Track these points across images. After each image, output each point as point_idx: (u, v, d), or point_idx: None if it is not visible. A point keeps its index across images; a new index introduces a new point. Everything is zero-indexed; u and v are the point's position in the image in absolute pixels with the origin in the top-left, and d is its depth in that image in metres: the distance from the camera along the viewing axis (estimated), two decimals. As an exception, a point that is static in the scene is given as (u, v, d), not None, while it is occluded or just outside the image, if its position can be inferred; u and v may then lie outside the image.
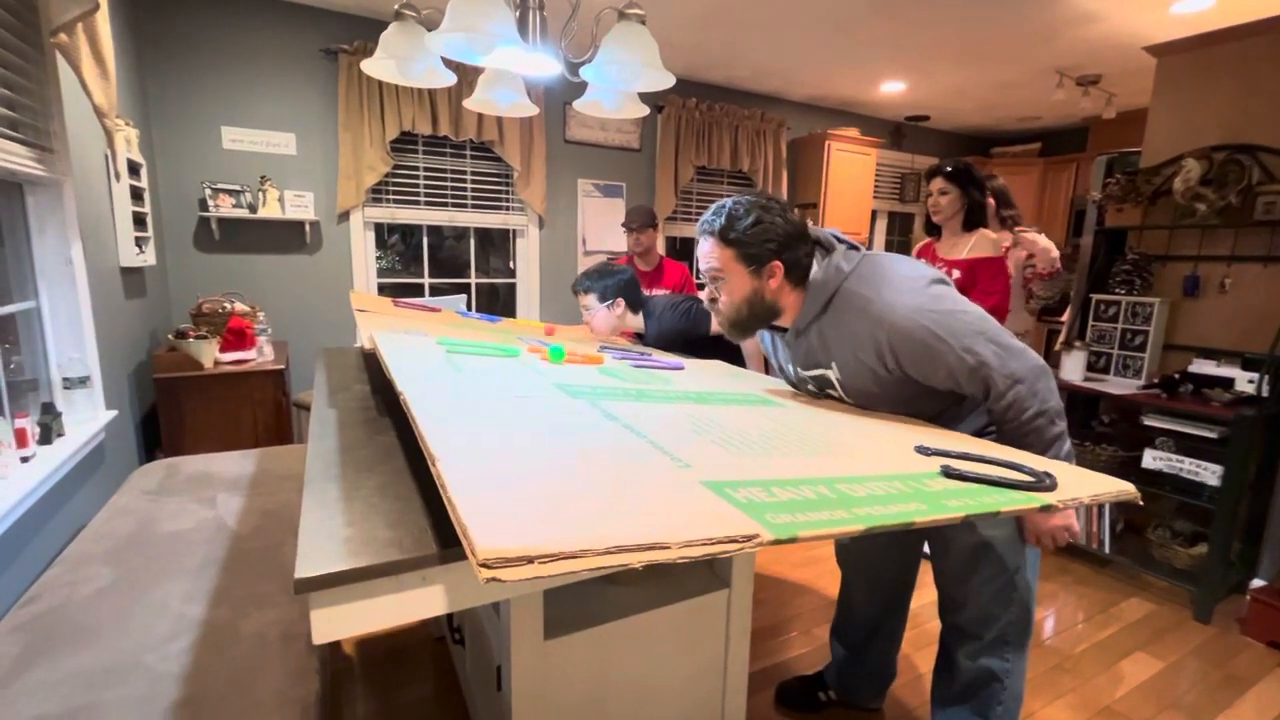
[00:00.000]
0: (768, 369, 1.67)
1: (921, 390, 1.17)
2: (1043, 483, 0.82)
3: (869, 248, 1.54)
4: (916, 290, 1.11)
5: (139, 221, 2.45)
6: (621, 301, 2.02)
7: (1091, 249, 2.80)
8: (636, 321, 2.08)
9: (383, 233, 3.65)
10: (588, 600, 1.18)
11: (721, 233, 1.18)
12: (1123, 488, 0.83)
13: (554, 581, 0.84)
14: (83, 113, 1.94)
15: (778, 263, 1.18)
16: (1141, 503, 0.86)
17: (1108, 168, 2.73)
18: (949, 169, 2.27)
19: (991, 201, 2.48)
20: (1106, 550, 2.53)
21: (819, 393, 1.33)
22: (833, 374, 1.23)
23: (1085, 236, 2.83)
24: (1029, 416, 1.08)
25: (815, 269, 1.21)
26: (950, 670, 1.43)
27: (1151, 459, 2.39)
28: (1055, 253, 2.38)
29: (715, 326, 2.09)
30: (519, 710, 1.07)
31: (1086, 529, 2.59)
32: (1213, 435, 2.24)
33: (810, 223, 1.25)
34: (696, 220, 4.54)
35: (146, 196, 2.59)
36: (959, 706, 1.42)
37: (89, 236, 1.95)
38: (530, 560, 0.48)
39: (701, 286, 1.37)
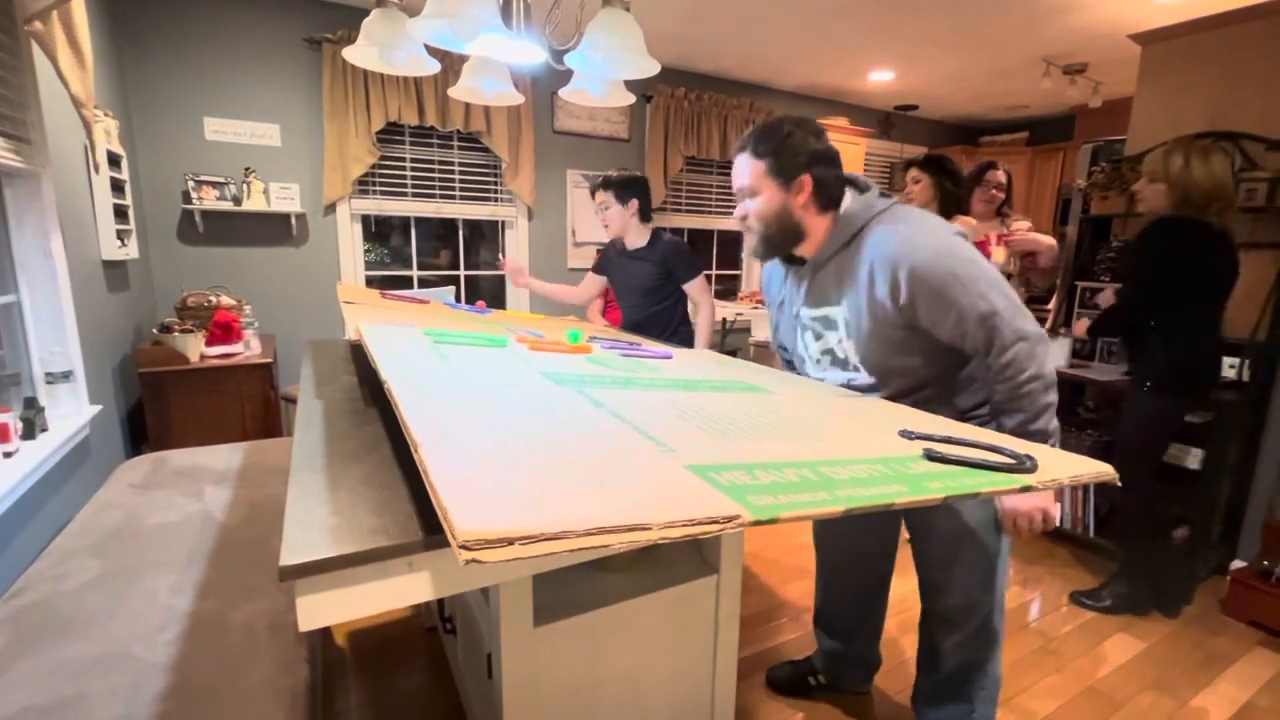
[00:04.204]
0: None
1: (921, 345, 1.18)
2: (1023, 464, 0.83)
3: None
4: (942, 236, 1.15)
5: (120, 214, 2.42)
6: (635, 204, 2.23)
7: (1077, 237, 2.82)
8: (643, 233, 2.28)
9: (370, 225, 3.62)
10: (577, 587, 1.19)
11: (755, 146, 1.21)
12: (1101, 469, 0.85)
13: (538, 565, 0.85)
14: (60, 103, 1.91)
15: (807, 177, 1.19)
16: (1120, 484, 0.88)
17: (1093, 156, 2.75)
18: (922, 159, 2.32)
19: (998, 194, 2.51)
20: (1090, 534, 2.57)
21: (818, 339, 1.31)
22: (840, 312, 1.24)
23: (1071, 224, 2.85)
24: (1026, 378, 1.11)
25: (848, 202, 1.23)
26: (934, 661, 1.45)
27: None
28: (1057, 248, 2.43)
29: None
30: (510, 697, 1.07)
31: (1071, 513, 2.62)
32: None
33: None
34: (687, 210, 4.56)
35: (128, 189, 2.56)
36: (946, 699, 1.44)
37: (69, 229, 1.92)
38: (511, 542, 0.49)
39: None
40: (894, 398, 1.25)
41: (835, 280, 1.23)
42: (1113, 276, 2.39)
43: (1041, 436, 1.13)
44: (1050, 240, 2.44)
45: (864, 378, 1.28)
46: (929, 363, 1.21)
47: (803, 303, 1.31)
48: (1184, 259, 1.92)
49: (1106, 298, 2.11)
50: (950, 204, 2.30)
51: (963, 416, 1.25)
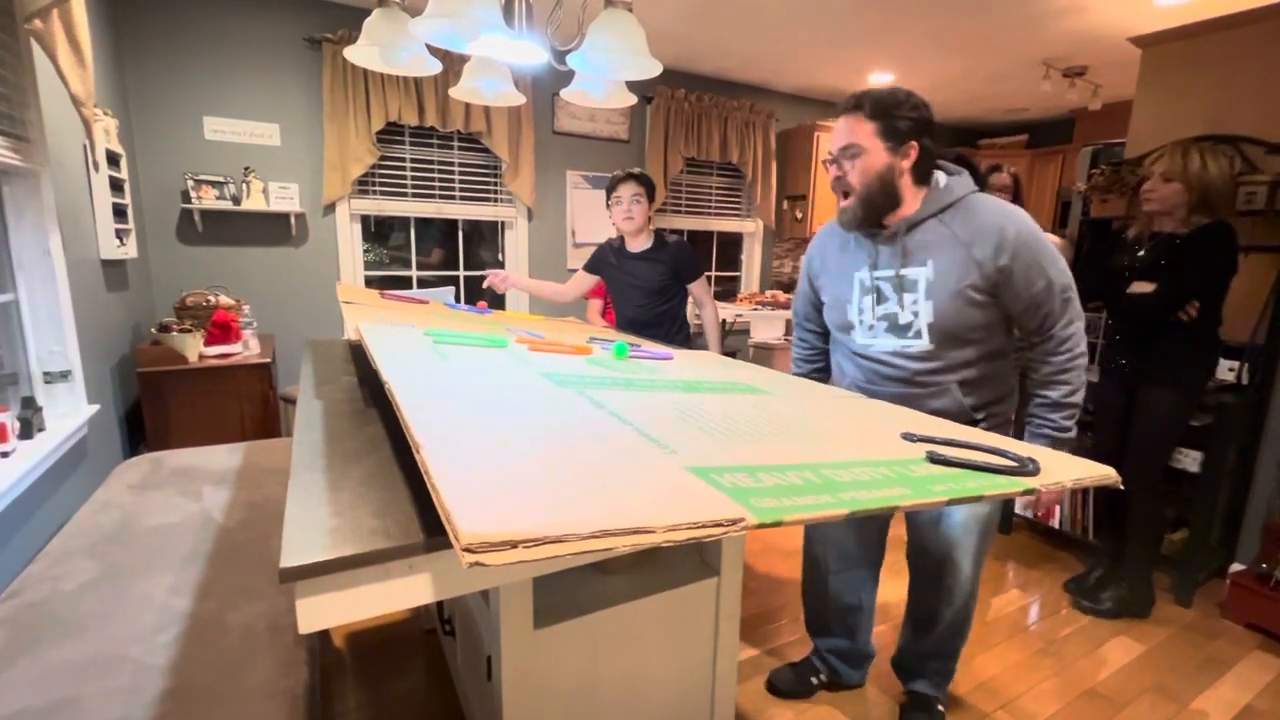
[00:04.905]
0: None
1: (989, 316, 1.29)
2: (1026, 468, 0.82)
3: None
4: (1032, 220, 1.28)
5: (119, 213, 2.41)
6: (650, 206, 2.29)
7: (1077, 240, 2.82)
8: (648, 234, 2.33)
9: (370, 225, 3.62)
10: (577, 589, 1.18)
11: (871, 107, 1.26)
12: (1104, 472, 0.84)
13: (540, 568, 0.84)
14: (60, 102, 1.90)
15: (915, 144, 1.26)
16: (1122, 487, 0.87)
17: (1093, 159, 2.75)
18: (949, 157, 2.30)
19: (1004, 197, 2.50)
20: (1090, 537, 2.56)
21: (880, 303, 1.37)
22: (923, 273, 1.30)
23: (1071, 227, 2.85)
24: (1080, 351, 1.27)
25: (944, 178, 1.32)
26: (923, 632, 1.61)
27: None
28: (1065, 247, 2.43)
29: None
30: (509, 699, 1.07)
31: (1071, 515, 2.62)
32: (1194, 422, 2.27)
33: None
34: (687, 212, 4.56)
35: (127, 188, 2.55)
36: (933, 661, 1.64)
37: (68, 228, 1.92)
38: (514, 545, 0.48)
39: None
40: (939, 371, 1.33)
41: (928, 241, 1.30)
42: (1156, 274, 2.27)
43: (1077, 407, 1.29)
44: (1056, 240, 2.44)
45: (921, 344, 1.33)
46: (986, 338, 1.31)
47: (877, 265, 1.35)
48: (1232, 259, 1.97)
49: (1142, 288, 2.08)
50: None
51: (976, 409, 1.35)
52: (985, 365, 1.34)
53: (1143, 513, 2.17)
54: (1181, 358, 2.05)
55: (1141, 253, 2.09)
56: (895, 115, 1.25)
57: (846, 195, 1.32)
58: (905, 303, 1.32)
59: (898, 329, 1.35)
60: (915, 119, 1.26)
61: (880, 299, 1.36)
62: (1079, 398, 1.29)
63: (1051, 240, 2.51)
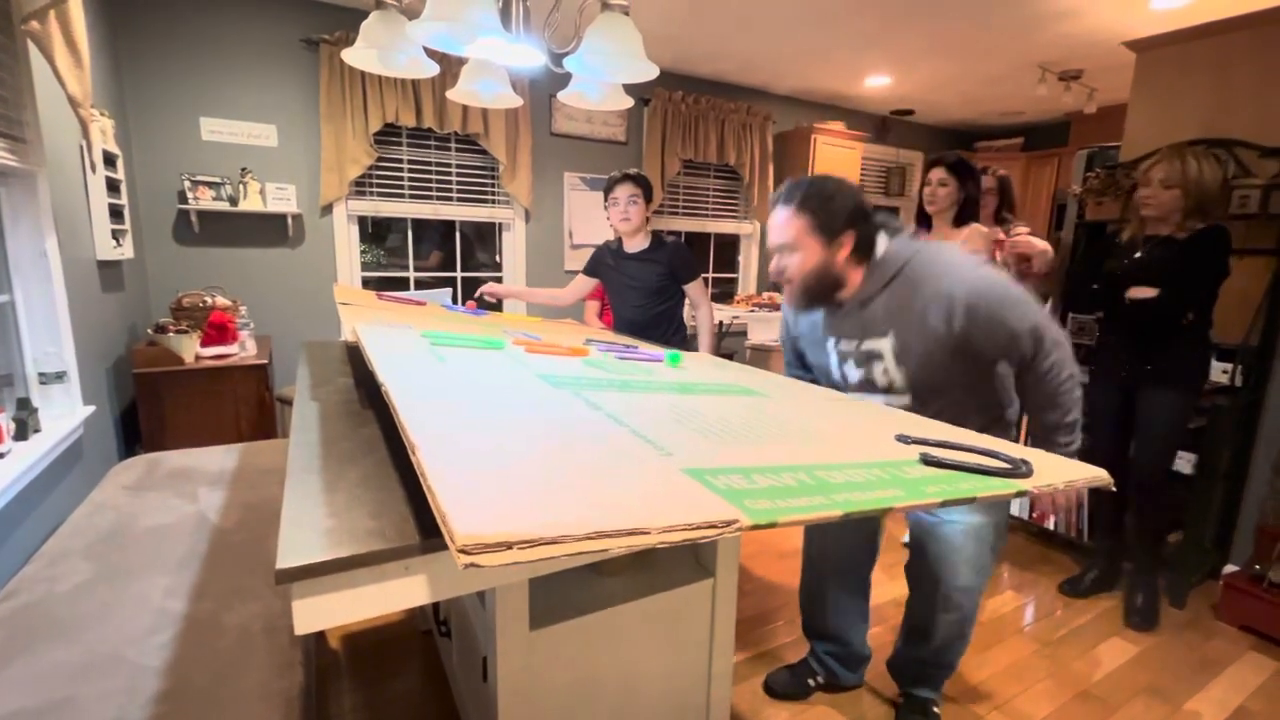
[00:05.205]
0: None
1: (962, 365, 1.28)
2: (1019, 469, 0.83)
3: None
4: (978, 267, 1.27)
5: (116, 214, 2.41)
6: (648, 207, 2.31)
7: (1072, 242, 2.83)
8: (646, 235, 2.33)
9: (367, 226, 3.62)
10: (573, 591, 1.19)
11: (800, 204, 1.27)
12: (1096, 474, 0.85)
13: (536, 569, 0.84)
14: (56, 102, 1.90)
15: (849, 235, 1.27)
16: (1115, 489, 0.88)
17: (1088, 162, 2.76)
18: (951, 161, 2.29)
19: (991, 199, 2.51)
20: (1085, 539, 2.58)
21: (860, 366, 1.38)
22: (887, 343, 1.31)
23: (1066, 230, 2.86)
24: (1066, 375, 1.25)
25: (883, 245, 1.31)
26: (923, 639, 1.58)
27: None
28: (1051, 253, 2.43)
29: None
30: (505, 701, 1.07)
31: (1065, 518, 2.63)
32: (1189, 425, 2.28)
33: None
34: (684, 214, 4.57)
35: (123, 188, 2.55)
36: (930, 668, 1.63)
37: (64, 229, 1.92)
38: (509, 546, 0.49)
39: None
40: (930, 412, 1.32)
41: (883, 314, 1.31)
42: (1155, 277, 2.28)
43: (1076, 426, 1.28)
44: (1044, 245, 2.45)
45: (905, 399, 1.35)
46: (964, 380, 1.30)
47: (843, 336, 1.38)
48: (1228, 262, 1.99)
49: (1143, 292, 2.08)
50: (971, 209, 2.30)
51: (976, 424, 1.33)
52: (977, 391, 1.35)
53: (1153, 517, 2.18)
54: (1182, 361, 2.07)
55: (1138, 254, 2.10)
56: (825, 211, 1.26)
57: (790, 282, 1.34)
58: (877, 370, 1.35)
59: (879, 389, 1.37)
60: (847, 209, 1.26)
61: (856, 364, 1.38)
62: (1074, 417, 1.27)
63: (1041, 244, 2.53)
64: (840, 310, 1.36)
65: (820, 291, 1.32)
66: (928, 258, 1.28)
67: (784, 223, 1.29)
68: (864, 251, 1.30)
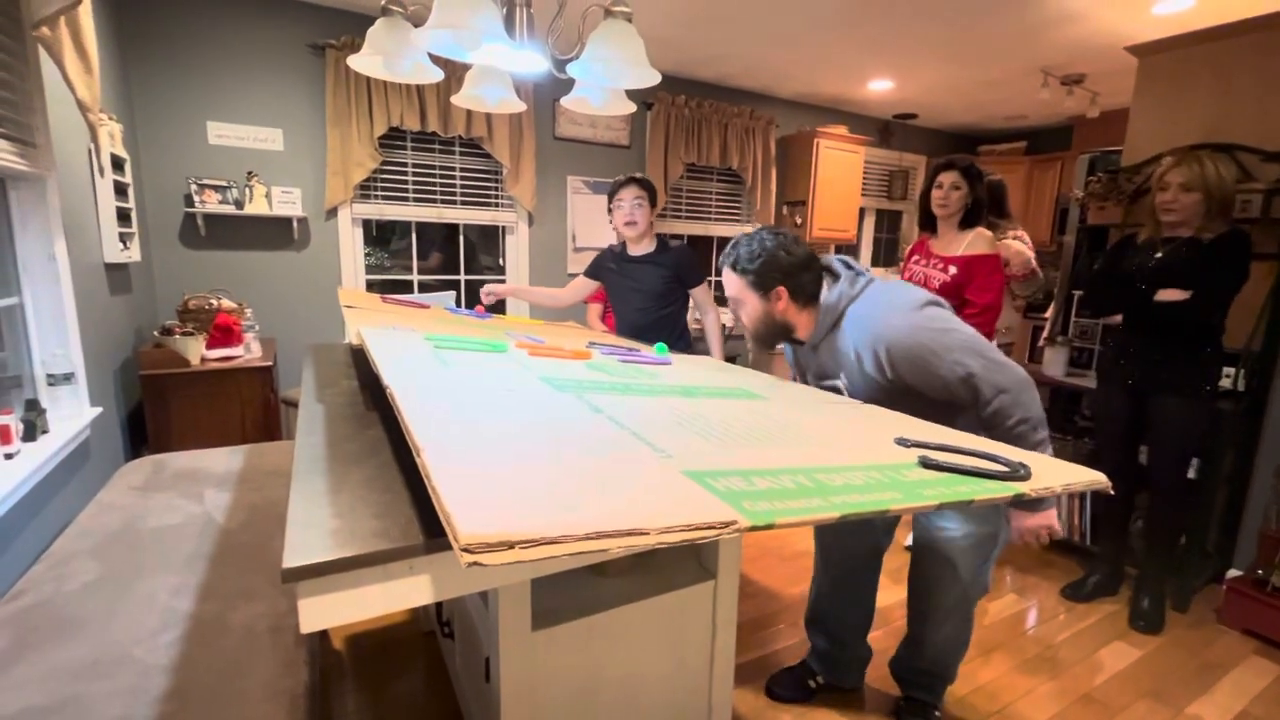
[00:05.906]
0: None
1: (921, 397, 1.28)
2: (1017, 473, 0.84)
3: (857, 244, 1.64)
4: (913, 311, 1.27)
5: (123, 217, 2.43)
6: (652, 210, 2.33)
7: (1074, 246, 2.84)
8: (651, 238, 2.34)
9: (371, 229, 3.64)
10: (575, 591, 1.19)
11: (734, 264, 1.39)
12: (1094, 477, 0.86)
13: (538, 569, 0.85)
14: (66, 107, 1.92)
15: (782, 288, 1.36)
16: (1113, 492, 0.89)
17: (1090, 166, 2.77)
18: (964, 165, 2.29)
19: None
20: (1088, 543, 2.57)
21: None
22: (842, 383, 1.39)
23: (1068, 234, 2.87)
24: (1013, 423, 1.20)
25: (825, 292, 1.38)
26: (922, 643, 1.60)
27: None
28: (1029, 254, 2.44)
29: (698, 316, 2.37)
30: (507, 701, 1.08)
31: (1069, 522, 2.63)
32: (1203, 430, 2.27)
33: (821, 254, 1.43)
34: (687, 217, 4.58)
35: (131, 192, 2.57)
36: (935, 672, 1.63)
37: (72, 232, 1.94)
38: (511, 545, 0.50)
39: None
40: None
41: (831, 358, 1.40)
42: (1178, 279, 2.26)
43: (1042, 444, 1.22)
44: (1018, 247, 2.46)
45: None
46: (932, 404, 1.30)
47: (808, 370, 1.50)
48: (1248, 266, 1.98)
49: (1174, 294, 2.04)
50: (977, 213, 2.31)
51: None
52: (943, 410, 1.30)
53: (1171, 518, 2.18)
54: (1198, 366, 2.06)
55: (1159, 255, 2.08)
56: (754, 270, 1.35)
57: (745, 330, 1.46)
58: (845, 401, 1.37)
59: None
60: (778, 265, 1.34)
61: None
62: (1042, 451, 1.19)
63: (1016, 247, 2.52)
64: (803, 347, 1.46)
65: (770, 337, 1.42)
66: (866, 304, 1.32)
67: (726, 281, 1.42)
68: (805, 298, 1.38)
